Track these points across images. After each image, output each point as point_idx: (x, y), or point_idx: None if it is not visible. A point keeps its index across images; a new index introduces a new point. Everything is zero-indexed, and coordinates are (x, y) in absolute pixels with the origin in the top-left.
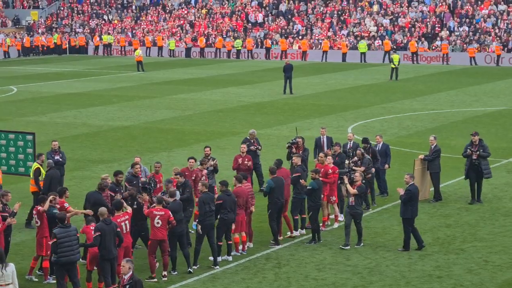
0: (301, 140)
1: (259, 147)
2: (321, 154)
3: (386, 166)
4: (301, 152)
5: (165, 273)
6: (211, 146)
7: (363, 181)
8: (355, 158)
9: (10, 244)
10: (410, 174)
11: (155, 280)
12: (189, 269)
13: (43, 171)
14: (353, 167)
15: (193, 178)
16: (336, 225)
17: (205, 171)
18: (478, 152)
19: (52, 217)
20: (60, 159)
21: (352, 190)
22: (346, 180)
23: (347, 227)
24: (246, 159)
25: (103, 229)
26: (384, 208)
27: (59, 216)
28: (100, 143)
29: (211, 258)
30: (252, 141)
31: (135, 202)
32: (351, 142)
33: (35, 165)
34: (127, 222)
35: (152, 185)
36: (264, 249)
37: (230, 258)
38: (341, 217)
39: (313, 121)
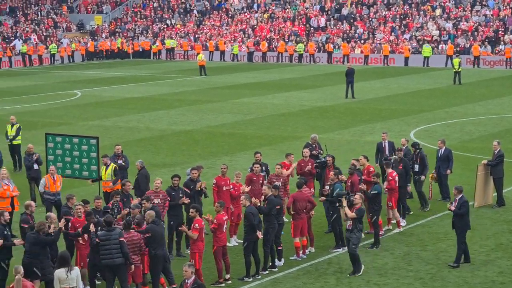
0: (331, 159)
1: (321, 151)
2: (360, 157)
3: (448, 171)
4: (332, 173)
5: (228, 276)
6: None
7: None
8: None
9: (75, 248)
10: (457, 187)
11: (223, 285)
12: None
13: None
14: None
15: (260, 182)
16: (397, 230)
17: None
18: None
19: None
20: (123, 163)
21: (350, 214)
22: (344, 203)
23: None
24: (309, 164)
25: (153, 229)
26: (445, 213)
27: (106, 219)
28: (162, 147)
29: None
30: (314, 145)
31: (99, 228)
32: (405, 148)
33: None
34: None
35: (116, 211)
36: (325, 253)
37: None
38: (403, 222)
39: (375, 125)
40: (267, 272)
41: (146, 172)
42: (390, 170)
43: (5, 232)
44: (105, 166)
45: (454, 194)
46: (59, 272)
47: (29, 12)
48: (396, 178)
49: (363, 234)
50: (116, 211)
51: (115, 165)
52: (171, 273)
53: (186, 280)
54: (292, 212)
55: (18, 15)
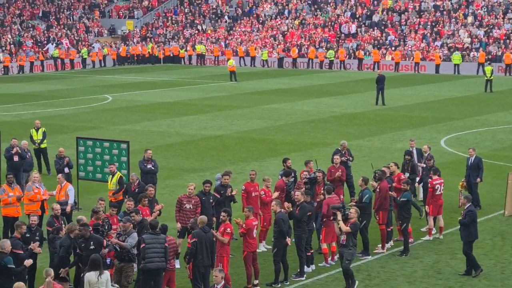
0: (321, 174)
1: (350, 158)
2: (390, 164)
3: (478, 179)
4: (322, 189)
5: (256, 281)
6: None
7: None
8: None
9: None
10: (466, 196)
11: None
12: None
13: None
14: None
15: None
16: (427, 237)
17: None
18: None
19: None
20: (153, 168)
21: (345, 228)
22: (339, 216)
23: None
24: (340, 170)
25: (200, 235)
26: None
27: (151, 222)
28: (192, 152)
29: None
30: (343, 151)
31: (92, 243)
32: (427, 155)
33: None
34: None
35: (106, 227)
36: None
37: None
38: (434, 231)
39: (405, 132)
40: (304, 278)
41: (143, 185)
42: (433, 177)
43: (27, 235)
44: (111, 175)
45: (463, 203)
46: (89, 276)
47: (61, 16)
48: (436, 187)
49: (387, 249)
50: (106, 227)
51: (121, 175)
52: (209, 281)
53: (216, 285)
54: (323, 219)
55: (51, 20)
